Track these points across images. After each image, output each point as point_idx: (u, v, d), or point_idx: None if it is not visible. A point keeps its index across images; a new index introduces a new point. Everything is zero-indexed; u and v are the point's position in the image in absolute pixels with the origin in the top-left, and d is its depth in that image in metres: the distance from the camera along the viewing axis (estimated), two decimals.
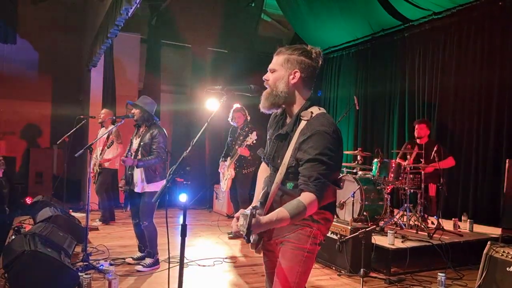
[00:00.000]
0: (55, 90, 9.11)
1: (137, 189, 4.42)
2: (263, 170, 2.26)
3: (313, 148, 1.85)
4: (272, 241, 2.04)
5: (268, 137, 2.18)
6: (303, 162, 1.87)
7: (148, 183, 4.37)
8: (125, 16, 4.96)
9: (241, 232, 1.75)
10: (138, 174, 4.42)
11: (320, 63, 2.01)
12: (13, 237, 4.47)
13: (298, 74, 1.97)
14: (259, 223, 1.77)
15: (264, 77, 2.04)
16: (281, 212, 1.82)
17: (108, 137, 6.26)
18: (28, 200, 6.97)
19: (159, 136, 4.40)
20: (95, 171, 6.39)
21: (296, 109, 2.00)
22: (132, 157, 4.45)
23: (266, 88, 2.06)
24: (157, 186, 4.38)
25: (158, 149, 4.37)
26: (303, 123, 1.93)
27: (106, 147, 6.13)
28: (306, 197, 1.82)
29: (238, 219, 1.82)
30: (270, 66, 2.04)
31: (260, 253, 2.12)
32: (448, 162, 5.64)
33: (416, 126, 5.94)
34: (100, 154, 6.32)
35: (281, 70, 1.99)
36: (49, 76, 9.06)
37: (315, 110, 1.96)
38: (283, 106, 2.04)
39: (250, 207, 1.78)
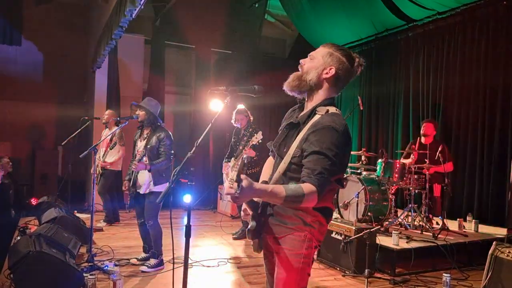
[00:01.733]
0: (60, 92, 9.14)
1: (142, 191, 4.44)
2: (269, 165, 2.23)
3: (319, 142, 1.83)
4: (268, 236, 2.01)
5: (280, 128, 2.17)
6: (307, 154, 1.85)
7: (155, 185, 4.41)
8: (129, 18, 4.97)
9: (231, 179, 1.68)
10: (145, 177, 4.44)
11: (357, 72, 2.02)
12: (19, 238, 4.49)
13: (333, 71, 1.96)
14: (252, 187, 1.71)
15: (301, 60, 2.05)
16: (277, 187, 1.79)
17: (111, 139, 6.28)
18: (33, 201, 7.00)
19: (166, 139, 4.44)
20: (97, 172, 6.41)
21: (315, 102, 1.99)
22: (136, 159, 4.47)
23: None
24: (162, 187, 4.41)
25: (168, 152, 4.42)
26: (316, 117, 1.92)
27: (108, 149, 6.14)
28: (307, 187, 1.79)
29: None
30: (312, 53, 2.04)
31: (260, 252, 2.11)
32: (447, 166, 5.61)
33: (424, 124, 5.92)
34: (103, 155, 6.33)
35: (319, 61, 1.99)
36: (54, 78, 9.09)
37: (332, 109, 1.95)
38: (305, 96, 2.03)
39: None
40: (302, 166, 1.87)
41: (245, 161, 1.70)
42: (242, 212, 2.10)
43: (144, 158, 4.43)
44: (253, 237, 2.03)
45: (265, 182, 2.02)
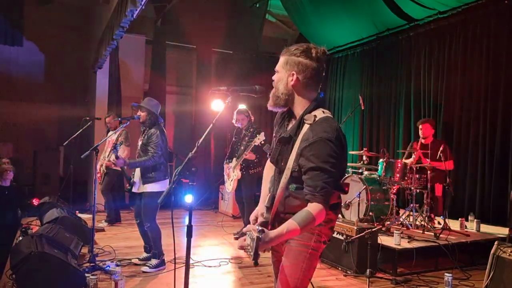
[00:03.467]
0: (61, 92, 9.14)
1: (134, 189, 4.47)
2: (269, 168, 2.25)
3: (315, 156, 1.84)
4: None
5: (274, 134, 2.18)
6: (305, 170, 1.87)
7: (143, 184, 4.40)
8: (130, 18, 4.98)
9: (248, 254, 1.76)
10: (137, 175, 4.47)
11: (323, 62, 1.98)
12: (21, 238, 4.50)
13: (295, 76, 1.95)
14: (269, 239, 1.77)
15: (273, 77, 2.07)
16: (290, 224, 1.82)
17: (117, 138, 6.28)
18: (35, 202, 7.00)
19: (154, 136, 4.36)
20: (101, 171, 6.42)
21: (299, 111, 1.99)
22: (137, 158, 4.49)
23: (269, 90, 2.08)
24: (155, 187, 4.38)
25: (153, 149, 4.33)
26: (306, 127, 1.91)
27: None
28: (315, 208, 1.83)
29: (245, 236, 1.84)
30: (276, 67, 2.05)
31: (268, 252, 2.12)
32: (448, 164, 5.59)
33: (420, 127, 5.87)
34: (108, 154, 6.33)
35: (282, 72, 2.00)
36: (55, 78, 9.10)
37: (319, 113, 1.94)
38: (288, 106, 2.05)
39: (257, 226, 1.75)
40: (301, 176, 1.90)
41: (261, 237, 1.74)
42: (239, 241, 2.12)
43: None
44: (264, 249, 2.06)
45: (273, 197, 2.03)
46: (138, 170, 4.45)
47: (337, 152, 1.86)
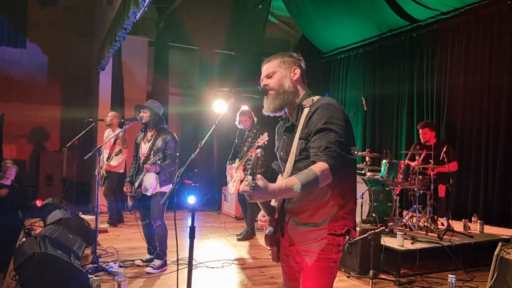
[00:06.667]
0: (64, 93, 9.18)
1: (149, 193, 4.48)
2: (279, 180, 2.21)
3: (317, 120, 1.86)
4: (293, 247, 1.99)
5: (275, 147, 2.17)
6: (311, 136, 1.86)
7: (161, 187, 4.44)
8: (133, 19, 4.99)
9: (247, 174, 1.65)
10: (151, 179, 4.45)
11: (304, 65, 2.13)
12: (24, 239, 4.50)
13: (298, 70, 2.06)
14: (268, 187, 1.66)
15: (264, 82, 2.07)
16: (290, 180, 1.73)
17: (115, 141, 6.27)
18: (38, 203, 7.03)
19: (172, 142, 4.47)
20: (102, 174, 6.42)
21: (297, 101, 2.04)
22: (141, 161, 4.49)
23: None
24: (166, 187, 4.46)
25: (172, 154, 4.45)
26: (306, 110, 1.95)
27: (114, 154, 6.15)
28: (317, 165, 1.75)
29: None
30: (267, 72, 2.06)
31: (279, 261, 2.09)
32: (452, 165, 5.56)
33: (420, 131, 5.83)
34: (107, 159, 6.34)
35: (281, 71, 2.05)
36: (58, 80, 9.13)
37: (316, 97, 2.01)
38: (285, 108, 2.06)
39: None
40: (309, 158, 1.85)
41: (259, 155, 1.66)
42: (258, 220, 2.09)
43: (150, 158, 4.43)
44: (271, 244, 2.03)
45: None
46: (152, 175, 4.46)
47: (340, 115, 1.87)
